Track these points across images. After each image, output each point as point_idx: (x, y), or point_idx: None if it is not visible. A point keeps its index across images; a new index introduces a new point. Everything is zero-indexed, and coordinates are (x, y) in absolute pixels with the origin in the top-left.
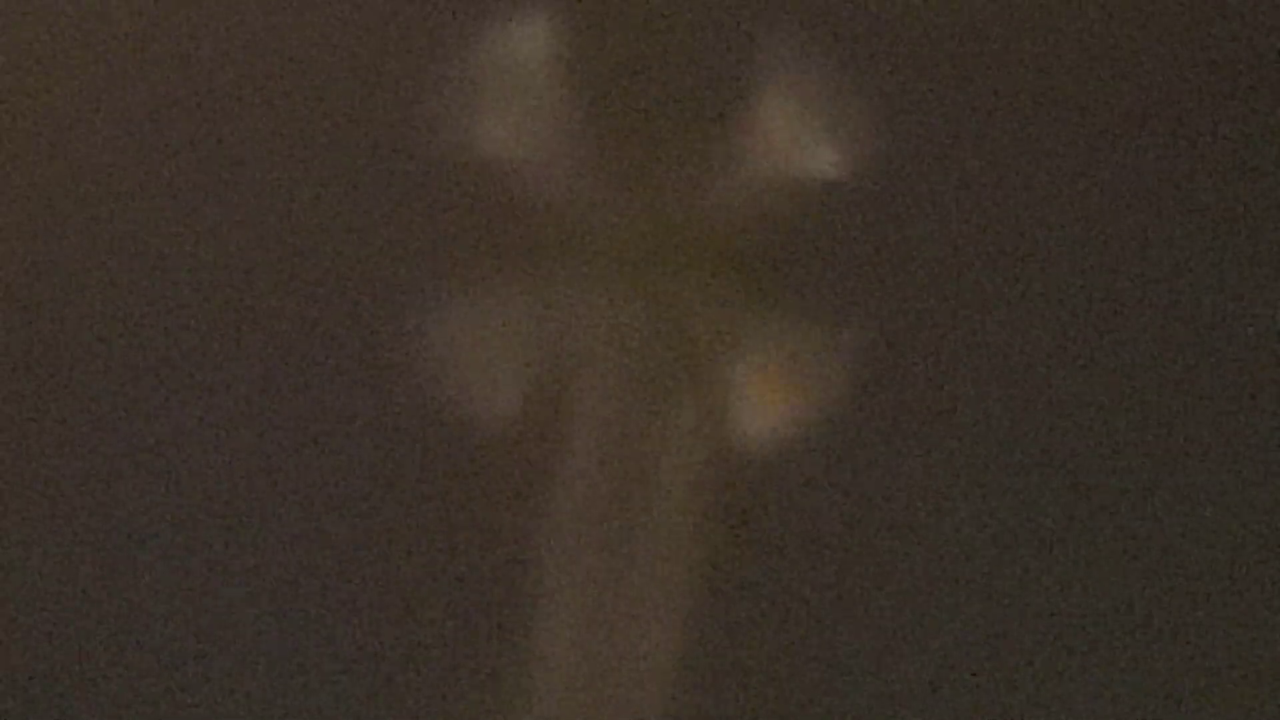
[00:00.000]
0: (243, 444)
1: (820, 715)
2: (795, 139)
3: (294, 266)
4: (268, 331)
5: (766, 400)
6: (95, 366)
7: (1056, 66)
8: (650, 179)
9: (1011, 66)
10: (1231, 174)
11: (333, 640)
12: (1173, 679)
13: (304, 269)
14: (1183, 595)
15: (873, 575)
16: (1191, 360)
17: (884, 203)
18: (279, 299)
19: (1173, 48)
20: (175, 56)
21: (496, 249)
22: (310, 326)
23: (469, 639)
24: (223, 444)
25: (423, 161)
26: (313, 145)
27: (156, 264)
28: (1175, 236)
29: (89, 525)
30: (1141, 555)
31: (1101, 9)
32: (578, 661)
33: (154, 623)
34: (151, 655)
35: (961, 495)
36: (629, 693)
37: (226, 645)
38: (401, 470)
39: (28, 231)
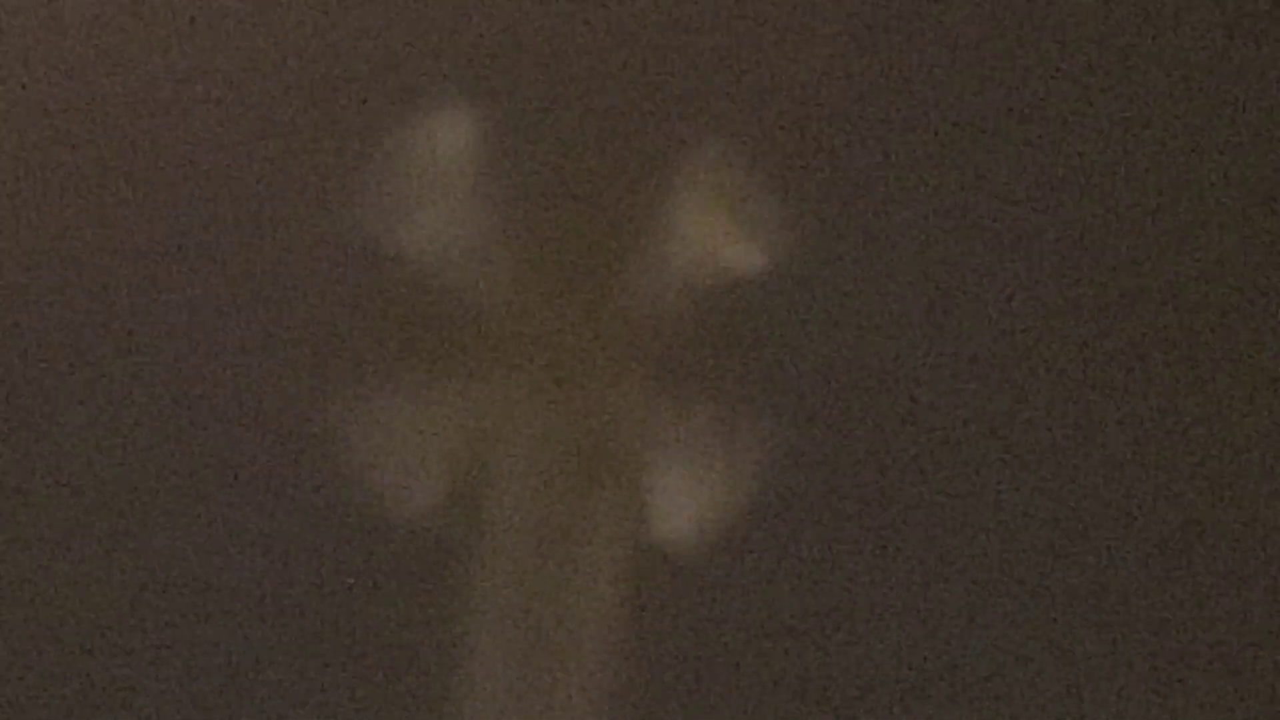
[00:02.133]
0: (166, 536)
1: None
2: (713, 237)
3: (220, 359)
4: (193, 422)
5: (684, 494)
6: (22, 459)
7: (967, 169)
8: (571, 276)
9: (925, 166)
10: (1147, 273)
11: None
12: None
13: (228, 361)
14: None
15: (790, 668)
16: (1116, 461)
17: (800, 300)
18: (205, 390)
19: (1083, 170)
20: (108, 151)
21: (419, 343)
22: (235, 419)
23: None
24: (148, 537)
25: (346, 256)
26: (237, 240)
27: (81, 358)
28: (1079, 339)
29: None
30: (1075, 640)
31: (1008, 116)
32: None
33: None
34: None
35: (874, 588)
36: None
37: None
38: (323, 561)
39: None
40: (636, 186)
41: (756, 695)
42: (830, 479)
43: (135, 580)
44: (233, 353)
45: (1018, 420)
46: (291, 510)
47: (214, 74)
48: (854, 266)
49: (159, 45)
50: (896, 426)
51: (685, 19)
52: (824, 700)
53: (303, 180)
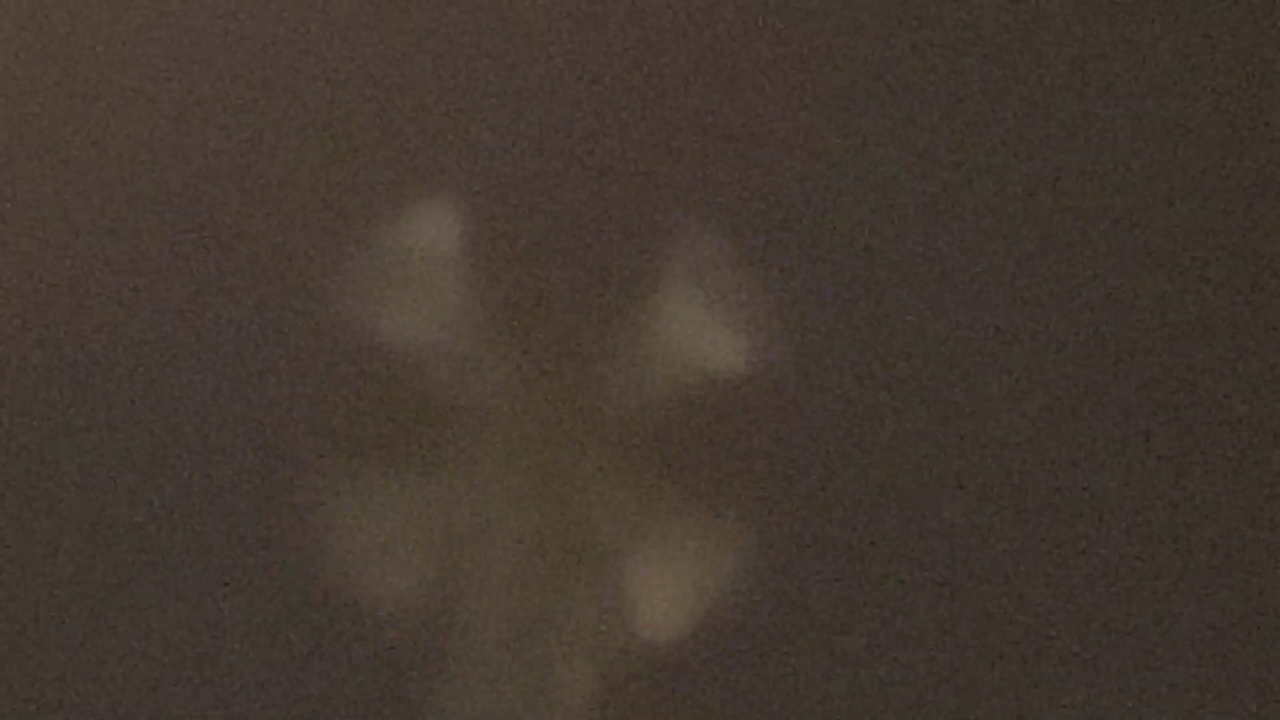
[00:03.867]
0: (142, 621)
1: None
2: (696, 333)
3: (197, 449)
4: (172, 509)
5: (664, 590)
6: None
7: (951, 264)
8: (553, 370)
9: (910, 262)
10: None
11: None
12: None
13: (207, 451)
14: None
15: None
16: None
17: (781, 397)
18: (185, 479)
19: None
20: (96, 242)
21: (399, 436)
22: (215, 508)
23: None
24: (121, 634)
25: (330, 347)
26: (222, 328)
27: (57, 447)
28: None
29: None
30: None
31: (988, 210)
32: None
33: None
34: None
35: (853, 683)
36: None
37: None
38: (298, 650)
39: None
40: (620, 281)
41: None
42: (810, 575)
43: (105, 667)
44: (215, 442)
45: (1001, 517)
46: (269, 600)
47: (202, 160)
48: (836, 364)
49: (149, 130)
50: (878, 523)
51: (669, 114)
52: None
53: (288, 270)
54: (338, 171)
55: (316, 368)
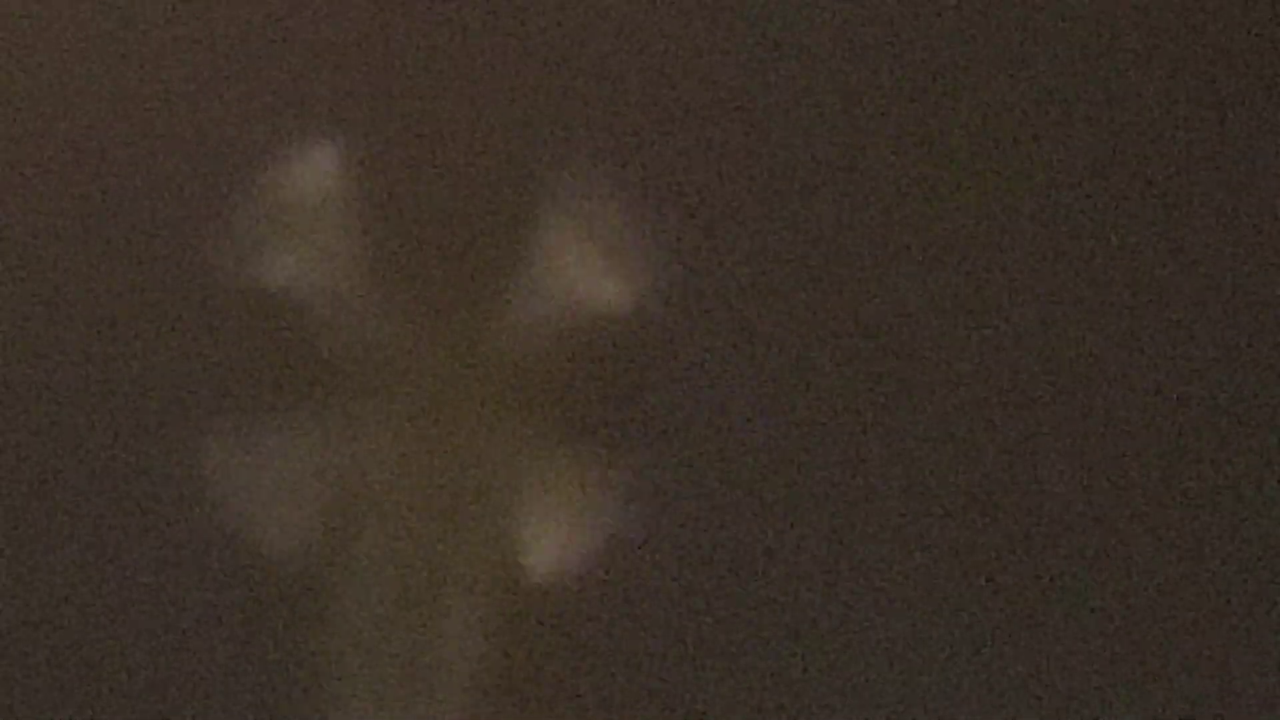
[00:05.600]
0: (35, 571)
1: None
2: (582, 272)
3: (84, 394)
4: (58, 457)
5: (551, 529)
6: None
7: (833, 198)
8: (439, 311)
9: (797, 198)
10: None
11: None
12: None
13: (90, 399)
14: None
15: (655, 702)
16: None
17: (667, 336)
18: (70, 425)
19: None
20: None
21: (286, 381)
22: (101, 454)
23: None
24: (20, 577)
25: (215, 291)
26: (103, 275)
27: None
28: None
29: None
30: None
31: (889, 148)
32: None
33: None
34: None
35: (737, 623)
36: None
37: None
38: (192, 597)
39: None
40: (505, 220)
41: None
42: (697, 514)
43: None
44: (97, 388)
45: (888, 452)
46: (157, 546)
47: (87, 115)
48: (722, 304)
49: (30, 71)
50: (763, 463)
51: (553, 54)
52: None
53: (168, 214)
54: (220, 116)
55: (202, 314)
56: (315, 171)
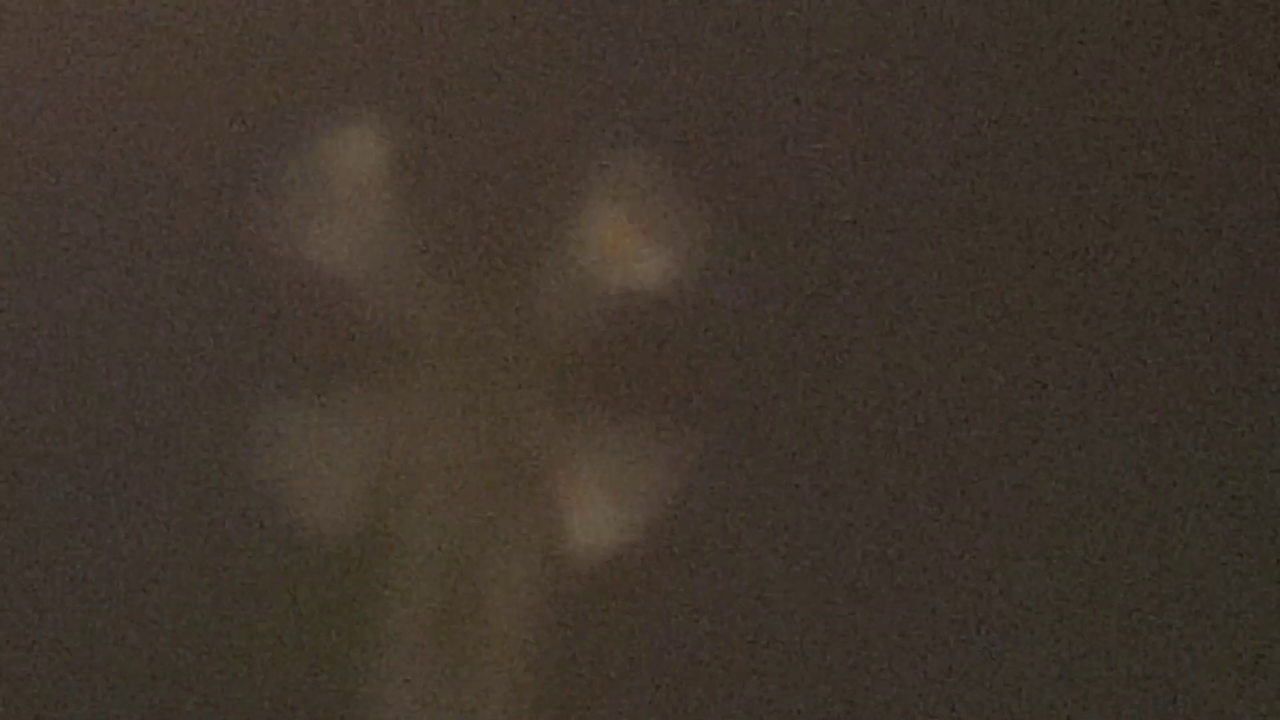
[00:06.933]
0: (84, 552)
1: None
2: (625, 249)
3: (130, 374)
4: (104, 439)
5: (597, 506)
6: None
7: (882, 180)
8: (482, 289)
9: (838, 177)
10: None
11: None
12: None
13: (144, 379)
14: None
15: (706, 679)
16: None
17: (711, 311)
18: (117, 406)
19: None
20: (17, 169)
21: (329, 359)
22: (146, 434)
23: None
24: (65, 557)
25: (258, 271)
26: (150, 255)
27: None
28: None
29: None
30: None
31: (929, 136)
32: None
33: None
34: None
35: (788, 599)
36: None
37: None
38: (237, 577)
39: None
40: (548, 198)
41: (672, 707)
42: (744, 489)
43: (43, 598)
44: (143, 368)
45: (933, 427)
46: (202, 526)
47: (128, 92)
48: (765, 276)
49: (68, 55)
50: (807, 440)
51: (598, 35)
52: (741, 711)
53: (213, 193)
54: (265, 96)
55: (248, 295)
56: (361, 151)
